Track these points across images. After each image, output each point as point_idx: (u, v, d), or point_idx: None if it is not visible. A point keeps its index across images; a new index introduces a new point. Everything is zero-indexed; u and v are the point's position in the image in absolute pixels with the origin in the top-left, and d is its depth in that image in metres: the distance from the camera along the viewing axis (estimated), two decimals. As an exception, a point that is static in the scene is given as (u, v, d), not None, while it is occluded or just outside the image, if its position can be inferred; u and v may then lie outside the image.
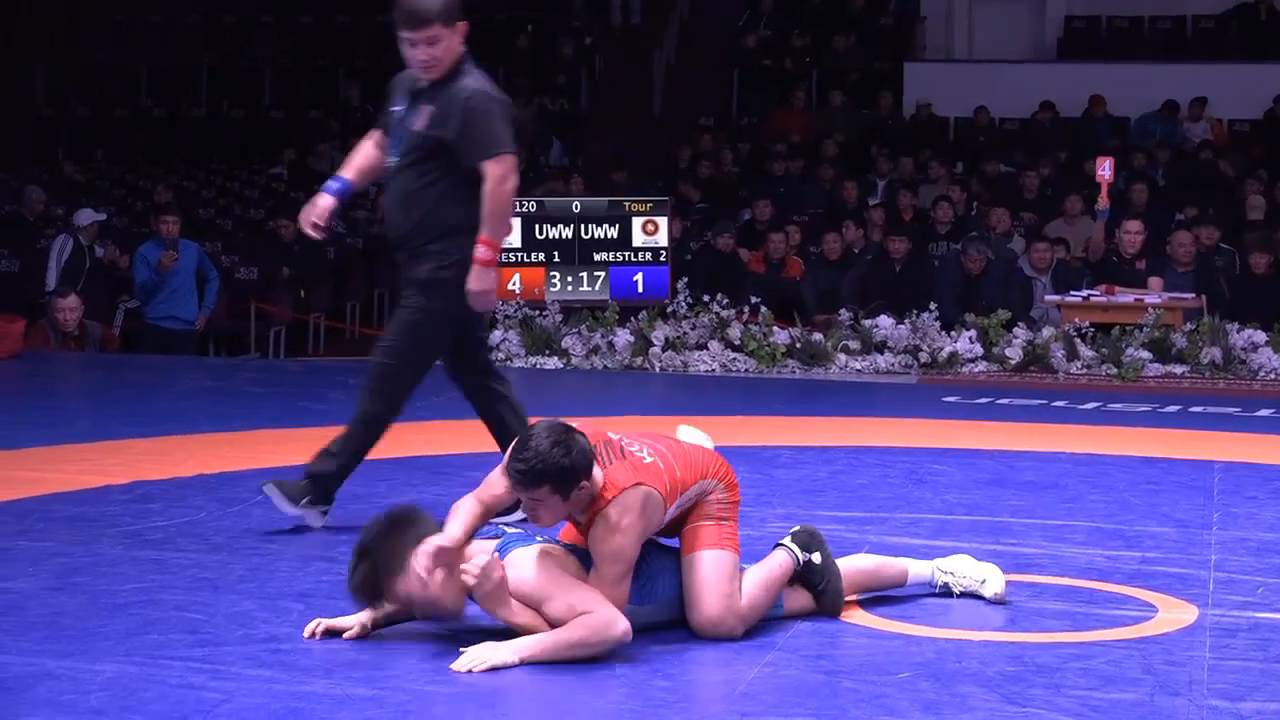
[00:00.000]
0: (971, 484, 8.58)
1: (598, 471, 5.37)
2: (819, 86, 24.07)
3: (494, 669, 5.12)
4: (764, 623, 5.65)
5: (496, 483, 5.51)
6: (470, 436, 8.46)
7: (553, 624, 5.28)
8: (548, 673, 5.14)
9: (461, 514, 5.46)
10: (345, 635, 5.51)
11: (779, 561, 5.75)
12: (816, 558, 5.78)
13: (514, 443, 5.39)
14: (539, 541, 5.47)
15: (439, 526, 5.38)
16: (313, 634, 5.49)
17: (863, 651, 5.45)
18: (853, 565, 5.95)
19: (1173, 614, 5.94)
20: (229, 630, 5.56)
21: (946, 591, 6.05)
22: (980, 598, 6.01)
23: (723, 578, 5.54)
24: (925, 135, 22.42)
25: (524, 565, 5.36)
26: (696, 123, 23.56)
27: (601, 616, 5.23)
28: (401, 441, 9.28)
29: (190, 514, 7.53)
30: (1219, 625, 5.79)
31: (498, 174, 7.01)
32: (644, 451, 5.53)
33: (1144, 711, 4.83)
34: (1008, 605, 5.95)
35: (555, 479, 5.25)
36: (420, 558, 5.31)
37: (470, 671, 5.11)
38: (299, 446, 9.35)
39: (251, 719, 4.70)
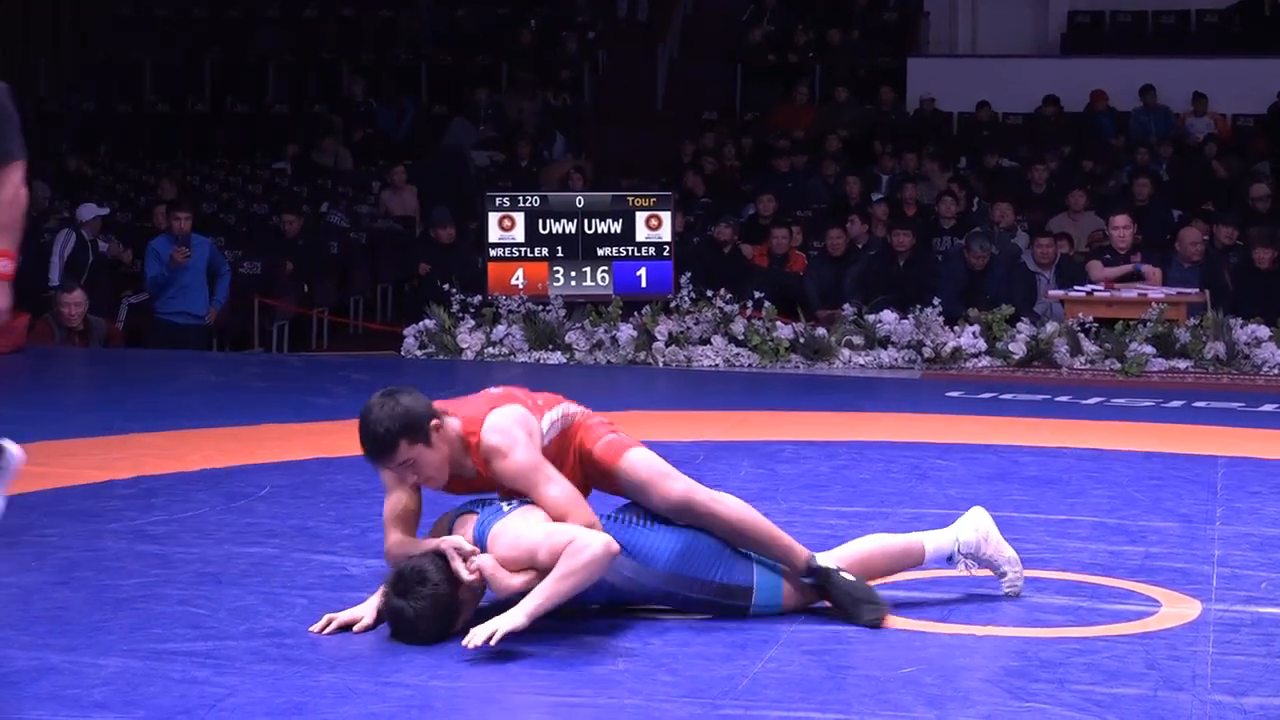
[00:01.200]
0: (975, 479, 8.58)
1: (450, 419, 5.49)
2: (822, 81, 24.07)
3: (509, 634, 5.15)
4: (767, 618, 5.65)
5: (394, 500, 5.60)
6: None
7: (547, 571, 5.31)
8: (551, 666, 5.15)
9: (400, 545, 5.56)
10: (357, 628, 5.52)
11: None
12: (832, 564, 5.71)
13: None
14: (506, 510, 5.49)
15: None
16: (323, 629, 5.51)
17: (866, 646, 5.44)
18: (869, 550, 5.86)
19: (1176, 609, 5.93)
20: (232, 625, 5.57)
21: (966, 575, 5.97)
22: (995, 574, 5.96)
23: (660, 463, 5.68)
24: (928, 130, 22.41)
25: (504, 534, 5.40)
26: (700, 117, 23.56)
27: (578, 541, 5.27)
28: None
29: (194, 509, 7.54)
30: (1222, 620, 5.78)
31: (15, 181, 6.52)
32: (490, 388, 5.72)
33: (1148, 706, 4.83)
34: (1012, 600, 5.93)
35: (403, 430, 5.36)
36: (465, 574, 5.37)
37: (489, 643, 5.12)
38: (303, 441, 9.42)
39: (255, 713, 4.70)
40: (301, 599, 5.87)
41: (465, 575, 5.34)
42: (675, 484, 5.63)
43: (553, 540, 5.31)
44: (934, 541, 5.92)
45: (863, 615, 5.59)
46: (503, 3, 25.91)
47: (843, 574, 5.66)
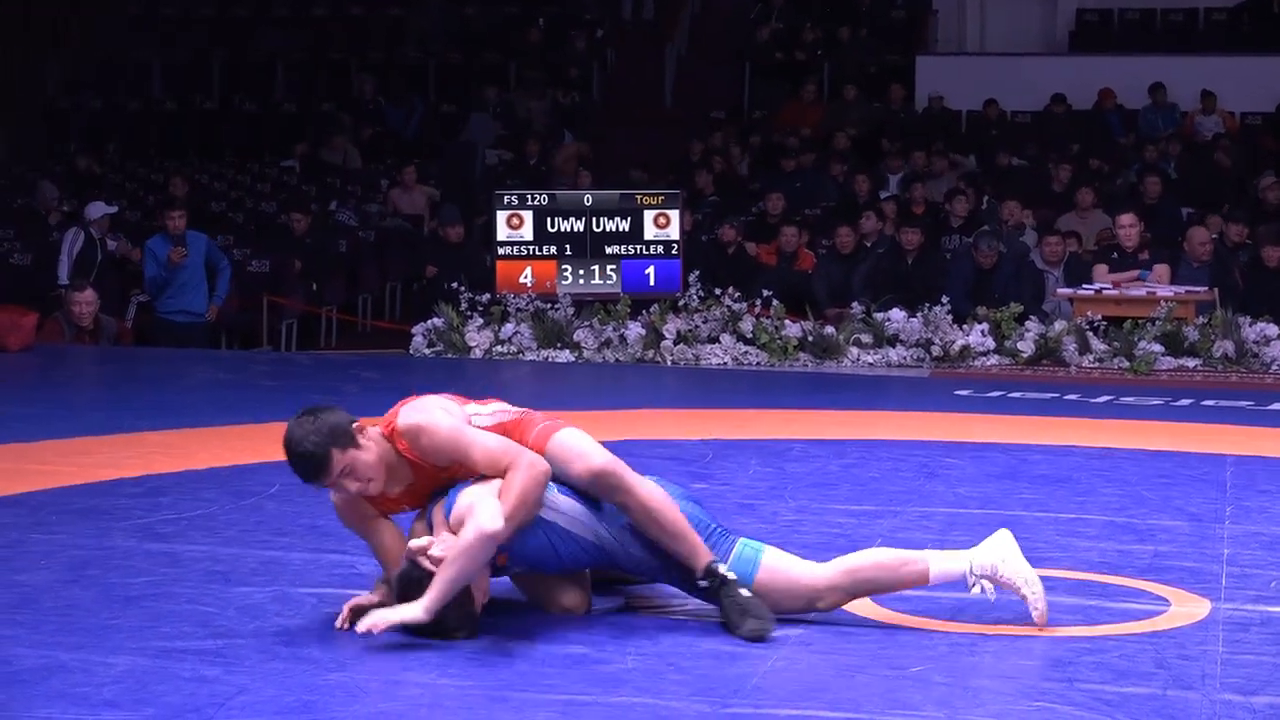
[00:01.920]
0: (984, 477, 8.57)
1: (371, 427, 5.53)
2: (831, 80, 24.08)
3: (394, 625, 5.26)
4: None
5: (379, 534, 5.68)
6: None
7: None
8: (560, 664, 5.16)
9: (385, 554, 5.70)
10: (370, 607, 5.52)
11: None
12: (731, 574, 5.57)
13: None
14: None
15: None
16: (342, 624, 5.53)
17: (876, 645, 5.44)
18: (865, 564, 5.70)
19: (1185, 608, 5.94)
20: (242, 623, 5.59)
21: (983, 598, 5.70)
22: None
23: (589, 440, 5.65)
24: (937, 128, 22.42)
25: (463, 498, 5.45)
26: (708, 116, 23.57)
27: (475, 519, 5.31)
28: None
29: (202, 507, 7.56)
30: (1232, 619, 5.78)
31: None
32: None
33: (1157, 705, 4.83)
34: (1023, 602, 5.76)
35: (330, 440, 5.39)
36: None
37: (370, 631, 5.24)
38: (312, 439, 9.38)
39: (264, 711, 4.71)
40: (311, 597, 5.88)
41: (430, 567, 5.37)
42: (600, 456, 5.57)
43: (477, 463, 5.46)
44: (942, 563, 5.67)
45: (744, 626, 5.46)
46: (511, 1, 25.94)
47: (739, 587, 5.53)
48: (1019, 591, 5.60)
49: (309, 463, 5.41)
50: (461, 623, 5.38)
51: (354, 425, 5.45)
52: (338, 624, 5.53)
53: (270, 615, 5.68)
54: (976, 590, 5.62)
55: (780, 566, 5.66)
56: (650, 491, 5.56)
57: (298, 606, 5.78)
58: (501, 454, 5.45)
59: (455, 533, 5.39)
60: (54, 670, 5.05)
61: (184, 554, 6.59)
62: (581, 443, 5.63)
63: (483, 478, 5.49)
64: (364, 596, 5.63)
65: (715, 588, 5.54)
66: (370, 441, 5.48)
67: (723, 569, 5.54)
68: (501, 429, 5.63)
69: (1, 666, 5.08)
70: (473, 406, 5.69)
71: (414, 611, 5.26)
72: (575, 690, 4.94)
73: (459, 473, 5.55)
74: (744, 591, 5.52)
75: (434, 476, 5.59)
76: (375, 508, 5.63)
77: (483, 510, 5.32)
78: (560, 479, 5.58)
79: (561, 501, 5.54)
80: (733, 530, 5.82)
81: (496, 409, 5.73)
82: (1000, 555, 5.63)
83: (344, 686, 4.94)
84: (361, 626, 5.25)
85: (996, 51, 24.78)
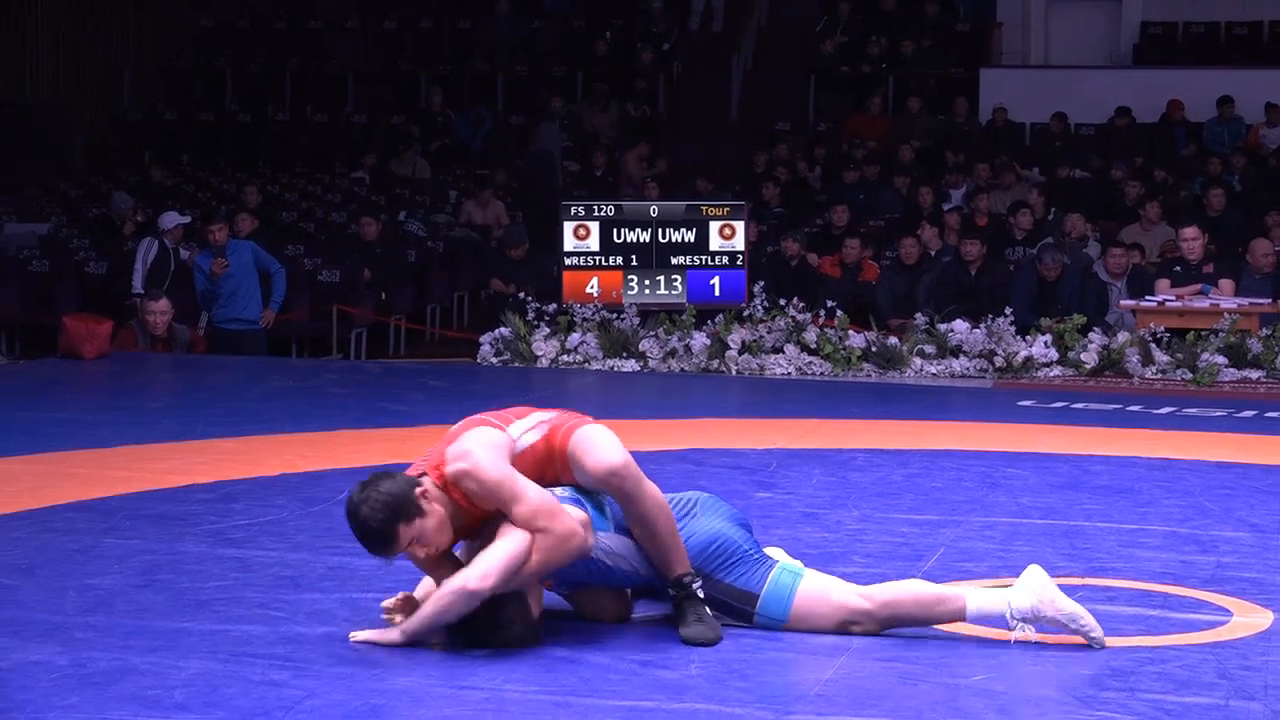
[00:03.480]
0: (1046, 488, 8.56)
1: (424, 477, 5.50)
2: (895, 92, 24.09)
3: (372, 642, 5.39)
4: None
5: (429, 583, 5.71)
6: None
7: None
8: (624, 671, 5.20)
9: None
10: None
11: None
12: (700, 594, 5.61)
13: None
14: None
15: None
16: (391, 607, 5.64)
17: (937, 654, 5.47)
18: (903, 596, 5.68)
19: (1248, 618, 5.94)
20: (310, 627, 5.64)
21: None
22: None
23: (610, 436, 5.64)
24: (1001, 141, 22.40)
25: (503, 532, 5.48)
26: (774, 127, 23.59)
27: (451, 583, 5.39)
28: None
29: (273, 513, 7.62)
30: (1294, 630, 5.78)
31: None
32: (453, 427, 5.70)
33: (1219, 716, 4.85)
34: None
35: (395, 516, 5.37)
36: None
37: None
38: (379, 446, 9.47)
39: (332, 715, 4.77)
40: (378, 603, 5.87)
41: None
42: (616, 455, 5.55)
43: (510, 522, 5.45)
44: (979, 600, 5.62)
45: (688, 628, 5.52)
46: (579, 14, 26.03)
47: (703, 604, 5.57)
48: (1067, 628, 5.56)
49: (375, 540, 5.40)
50: (525, 634, 5.44)
51: (417, 492, 5.41)
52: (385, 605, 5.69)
53: (338, 620, 5.73)
54: (1018, 632, 5.58)
55: (816, 593, 5.67)
56: (655, 497, 5.57)
57: (365, 612, 5.82)
58: (537, 515, 5.42)
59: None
60: (126, 673, 5.11)
61: (254, 559, 6.65)
62: (600, 439, 5.63)
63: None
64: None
65: (680, 595, 5.58)
66: (433, 504, 5.45)
67: (695, 587, 5.58)
68: (545, 442, 5.64)
69: (75, 669, 5.14)
70: (516, 426, 5.66)
71: (391, 635, 5.42)
72: (639, 697, 4.98)
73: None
74: (706, 608, 5.57)
75: (483, 514, 5.58)
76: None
77: (476, 566, 5.38)
78: (575, 474, 5.62)
79: (604, 539, 5.58)
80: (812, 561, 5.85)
81: (536, 420, 5.72)
82: (1037, 596, 5.56)
83: (410, 692, 4.99)
84: (353, 638, 5.42)
85: (1060, 65, 24.73)
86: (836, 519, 7.66)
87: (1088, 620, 5.54)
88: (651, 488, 5.58)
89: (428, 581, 5.73)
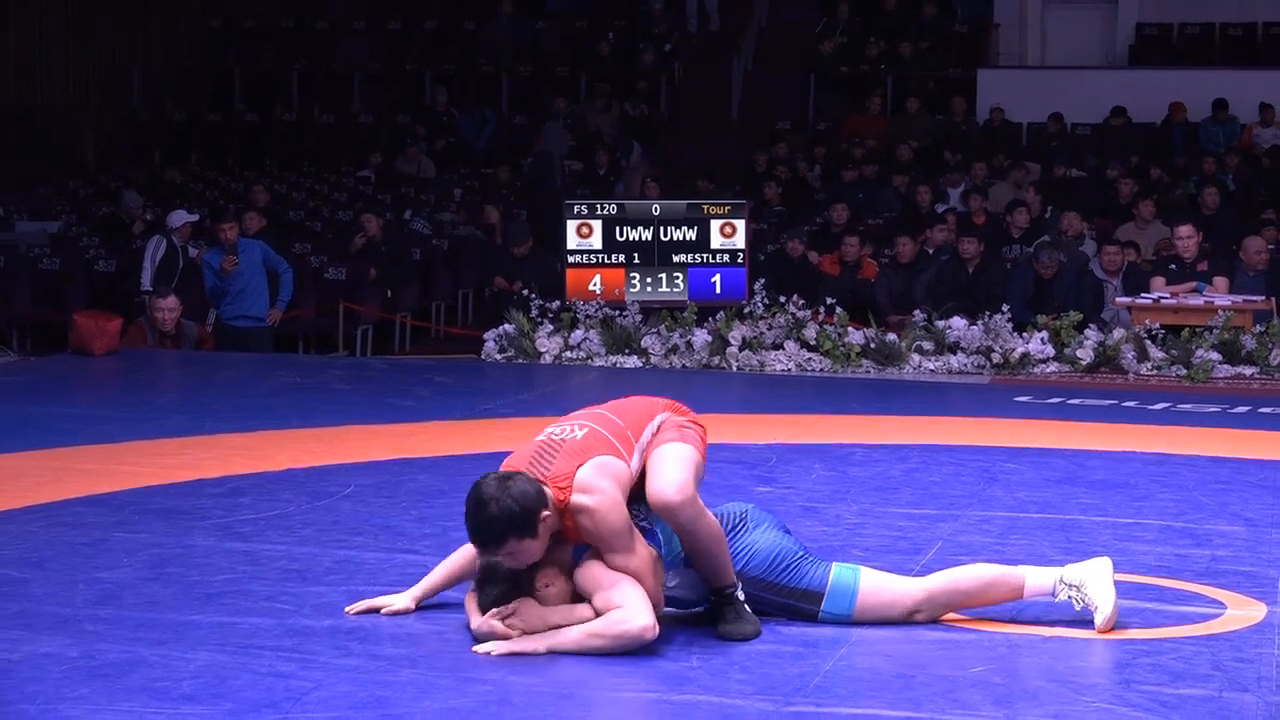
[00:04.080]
0: (1043, 482, 8.60)
1: (547, 489, 5.43)
2: (893, 93, 24.14)
3: (514, 654, 5.30)
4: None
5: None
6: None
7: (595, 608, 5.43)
8: (627, 663, 5.25)
9: (429, 575, 5.87)
10: (385, 611, 5.75)
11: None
12: (741, 594, 5.67)
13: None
14: None
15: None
16: (356, 611, 5.77)
17: (936, 646, 5.53)
18: (965, 577, 5.83)
19: (1242, 611, 5.99)
20: (317, 620, 5.69)
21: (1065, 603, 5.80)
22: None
23: (680, 464, 5.55)
24: (999, 141, 22.46)
25: (589, 564, 5.48)
26: (773, 127, 23.64)
27: (624, 613, 5.33)
28: (485, 438, 9.45)
29: (280, 507, 7.66)
30: (1287, 623, 5.83)
31: None
32: (575, 431, 5.60)
33: (1213, 707, 4.90)
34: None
35: (514, 528, 5.34)
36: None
37: (489, 654, 5.31)
38: (385, 442, 9.52)
39: (339, 707, 4.82)
40: (381, 595, 5.95)
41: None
42: (674, 488, 5.48)
43: (608, 600, 5.38)
44: (1037, 577, 5.81)
45: (726, 624, 5.58)
46: (582, 15, 26.08)
47: (743, 604, 5.63)
48: (1093, 604, 5.71)
49: (488, 539, 5.37)
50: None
51: (542, 515, 5.36)
52: (350, 609, 5.78)
53: (345, 613, 5.78)
54: (1063, 596, 5.74)
55: (878, 586, 5.77)
56: (709, 531, 5.54)
57: (372, 604, 5.88)
58: (631, 581, 5.43)
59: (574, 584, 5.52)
60: (135, 665, 5.17)
61: (262, 553, 6.70)
62: (667, 467, 5.55)
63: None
64: (382, 598, 5.84)
65: (720, 603, 5.62)
66: (547, 529, 5.40)
67: (736, 593, 5.62)
68: (642, 464, 5.63)
69: (85, 661, 5.20)
70: (636, 457, 5.59)
71: (535, 645, 5.34)
72: (641, 688, 5.04)
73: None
74: (746, 607, 5.62)
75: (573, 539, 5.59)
76: None
77: (638, 610, 5.37)
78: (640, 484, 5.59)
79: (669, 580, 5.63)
80: (814, 553, 5.91)
81: (649, 439, 5.66)
82: (1092, 572, 5.76)
83: (415, 684, 5.04)
84: (482, 649, 5.34)
85: (1057, 65, 24.76)
86: (836, 513, 7.70)
87: (1109, 610, 5.69)
88: (707, 524, 5.53)
89: (435, 574, 5.84)
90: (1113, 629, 5.69)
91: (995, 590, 5.80)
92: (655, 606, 5.42)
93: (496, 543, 5.35)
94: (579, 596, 5.51)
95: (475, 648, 5.37)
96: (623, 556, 5.42)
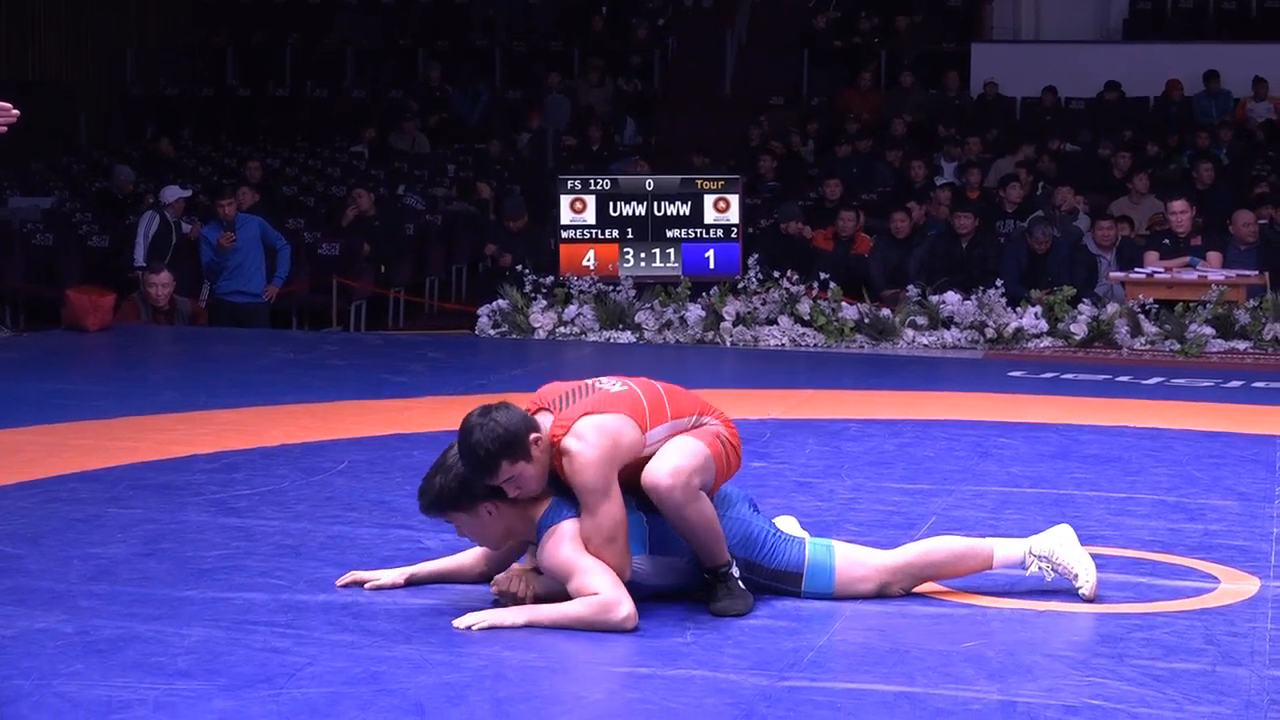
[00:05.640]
0: (1036, 457, 8.61)
1: (545, 418, 5.50)
2: (887, 67, 24.14)
3: (494, 626, 5.30)
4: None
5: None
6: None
7: (571, 597, 5.44)
8: (620, 639, 5.26)
9: (431, 561, 5.94)
10: (368, 585, 5.77)
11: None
12: (736, 572, 5.67)
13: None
14: (567, 514, 5.54)
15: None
16: (343, 583, 5.80)
17: (930, 621, 5.54)
18: (937, 548, 5.87)
19: (1235, 585, 6.00)
20: (311, 595, 5.70)
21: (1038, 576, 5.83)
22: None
23: (685, 454, 5.53)
24: (992, 115, 22.46)
25: (552, 540, 5.48)
26: (767, 102, 23.63)
27: (606, 599, 5.34)
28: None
29: (274, 483, 7.66)
30: (1280, 596, 5.84)
31: None
32: (614, 386, 5.63)
33: (1206, 681, 4.90)
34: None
35: (503, 450, 5.37)
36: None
37: (469, 628, 5.31)
38: (379, 417, 9.52)
39: (333, 682, 4.83)
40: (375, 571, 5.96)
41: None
42: (666, 474, 5.47)
43: (583, 583, 5.39)
44: (1005, 549, 5.84)
45: (717, 602, 5.57)
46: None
47: (735, 580, 5.62)
48: (1071, 571, 5.74)
49: (478, 464, 5.39)
50: None
51: (532, 437, 5.40)
52: (339, 581, 5.82)
53: (339, 589, 5.79)
54: (1034, 569, 5.78)
55: (853, 558, 5.79)
56: (700, 517, 5.52)
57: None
58: (599, 545, 5.43)
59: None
60: (130, 640, 5.18)
61: (256, 529, 6.70)
62: (669, 449, 5.55)
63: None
64: (369, 573, 5.86)
65: (713, 580, 5.61)
66: (540, 453, 5.44)
67: (731, 570, 5.62)
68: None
69: (79, 637, 5.20)
70: (656, 433, 5.56)
71: (514, 618, 5.35)
72: (635, 663, 5.04)
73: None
74: (739, 583, 5.62)
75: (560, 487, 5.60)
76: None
77: (611, 587, 5.38)
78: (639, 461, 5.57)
79: (645, 563, 5.62)
80: (808, 529, 5.92)
81: (673, 429, 5.62)
82: (1059, 541, 5.80)
83: (410, 658, 5.04)
84: (463, 623, 5.32)
85: (1051, 40, 24.75)
86: (830, 488, 7.71)
87: (1090, 576, 5.74)
88: (698, 511, 5.51)
89: (436, 563, 5.90)
90: (1098, 595, 5.72)
91: (966, 561, 5.83)
92: (621, 573, 5.44)
93: (492, 469, 5.37)
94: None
95: (456, 620, 5.37)
96: (589, 517, 5.42)
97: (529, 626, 5.32)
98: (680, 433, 5.62)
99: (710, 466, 5.59)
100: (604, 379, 5.69)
